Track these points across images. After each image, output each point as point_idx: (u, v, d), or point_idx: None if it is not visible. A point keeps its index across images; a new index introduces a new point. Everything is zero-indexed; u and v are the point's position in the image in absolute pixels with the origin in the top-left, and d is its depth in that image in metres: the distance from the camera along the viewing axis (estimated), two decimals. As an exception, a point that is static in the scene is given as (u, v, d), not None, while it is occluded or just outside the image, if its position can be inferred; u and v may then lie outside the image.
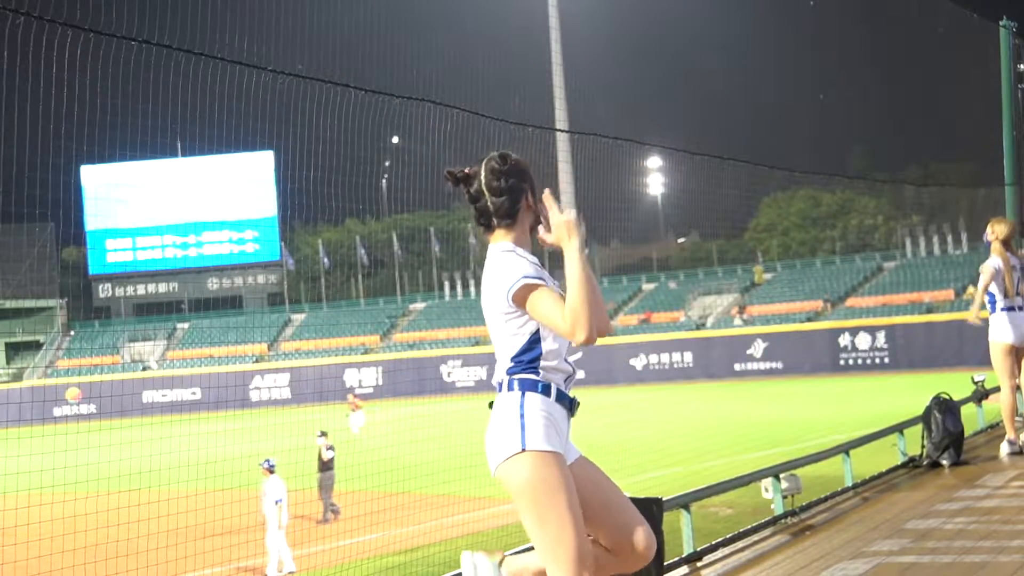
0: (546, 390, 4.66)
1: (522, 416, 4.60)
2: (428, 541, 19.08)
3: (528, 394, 4.64)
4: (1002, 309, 12.16)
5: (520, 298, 4.58)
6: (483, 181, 4.81)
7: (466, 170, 4.89)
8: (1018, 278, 12.25)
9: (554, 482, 4.55)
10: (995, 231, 12.32)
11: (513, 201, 4.79)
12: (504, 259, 4.71)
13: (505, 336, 4.72)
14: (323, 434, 23.73)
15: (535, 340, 4.69)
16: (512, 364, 4.69)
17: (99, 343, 78.47)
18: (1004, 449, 12.27)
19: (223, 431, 27.69)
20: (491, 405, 4.82)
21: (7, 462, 20.68)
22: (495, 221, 4.81)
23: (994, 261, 12.16)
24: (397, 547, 18.47)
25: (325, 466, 23.35)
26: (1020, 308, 12.16)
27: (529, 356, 4.68)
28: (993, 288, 12.17)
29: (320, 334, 74.92)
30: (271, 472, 19.56)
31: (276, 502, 19.03)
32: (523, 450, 4.56)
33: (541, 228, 4.79)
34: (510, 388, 4.67)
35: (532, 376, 4.66)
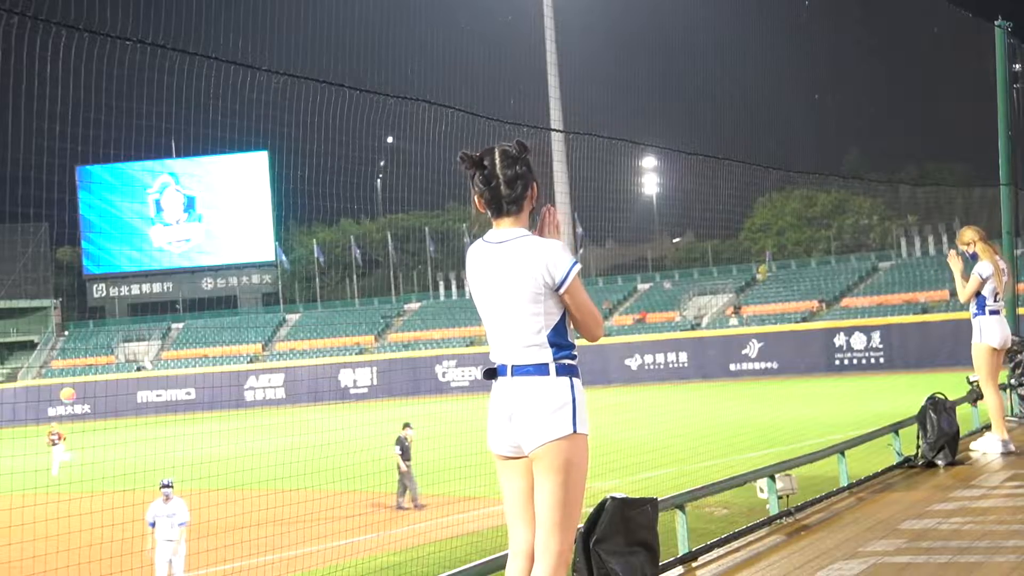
0: (579, 375, 4.97)
1: (574, 401, 4.87)
2: (423, 541, 19.08)
3: (575, 380, 4.91)
4: (990, 312, 12.29)
5: (575, 284, 4.86)
6: (497, 166, 4.92)
7: (478, 154, 4.97)
8: (1005, 281, 12.41)
9: (587, 464, 4.93)
10: (968, 238, 12.41)
11: (524, 188, 4.95)
12: (541, 240, 4.91)
13: (540, 317, 4.88)
14: (407, 426, 24.71)
15: (565, 319, 4.94)
16: (553, 348, 4.88)
17: (93, 343, 78.43)
18: (996, 448, 12.30)
19: (217, 431, 27.66)
20: (488, 381, 5.01)
21: (1, 462, 20.68)
22: (504, 207, 4.93)
23: (984, 267, 12.23)
24: (392, 547, 18.47)
25: (408, 454, 24.26)
26: (1000, 311, 12.40)
27: (565, 339, 4.93)
28: (985, 291, 12.27)
29: (315, 334, 74.90)
30: (167, 495, 18.10)
31: (180, 524, 18.01)
32: (574, 432, 4.84)
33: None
34: (559, 372, 4.87)
35: (573, 362, 4.93)
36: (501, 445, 4.97)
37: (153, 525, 17.97)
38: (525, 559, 4.99)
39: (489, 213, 4.98)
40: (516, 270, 4.85)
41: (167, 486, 18.00)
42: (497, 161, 4.91)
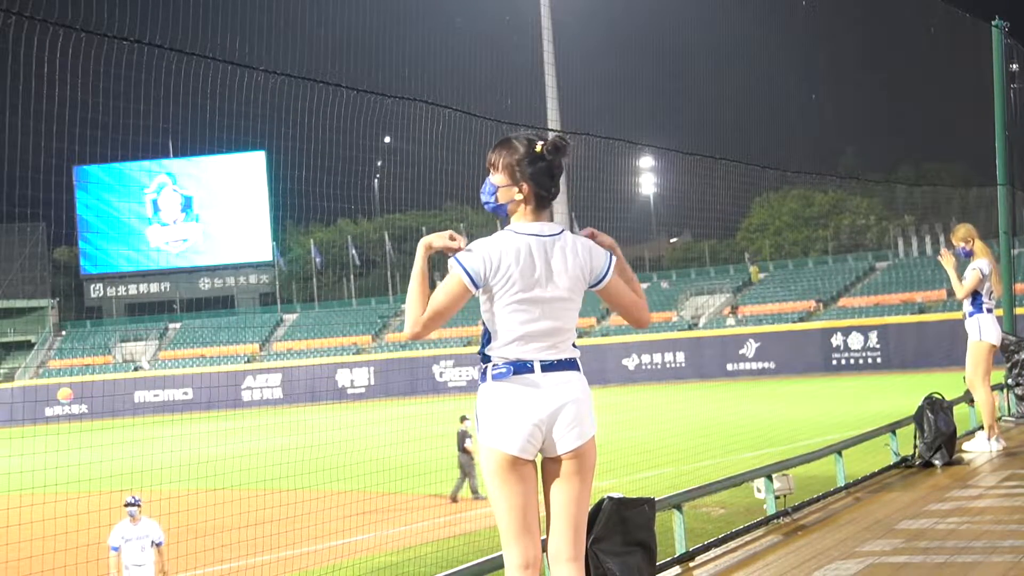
0: None
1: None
2: (421, 541, 19.08)
3: None
4: (987, 310, 12.44)
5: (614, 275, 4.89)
6: (562, 159, 4.83)
7: (548, 141, 4.86)
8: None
9: None
10: (964, 235, 12.54)
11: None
12: (582, 238, 4.88)
13: (576, 315, 4.85)
14: (464, 419, 24.69)
15: None
16: (575, 346, 4.85)
17: (91, 343, 78.42)
18: (990, 446, 12.35)
19: (215, 431, 27.67)
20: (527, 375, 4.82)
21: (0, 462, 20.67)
22: (550, 201, 4.85)
23: (984, 263, 12.36)
24: (389, 547, 18.47)
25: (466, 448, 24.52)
26: (994, 310, 12.59)
27: None
28: (982, 288, 12.42)
29: (312, 334, 74.89)
30: (134, 514, 16.17)
31: (156, 545, 16.31)
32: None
33: None
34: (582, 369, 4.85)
35: None
36: (523, 445, 4.70)
37: (116, 549, 16.08)
38: (535, 571, 4.79)
39: (529, 206, 4.82)
40: (576, 264, 4.77)
41: (133, 504, 16.17)
42: (561, 151, 4.82)
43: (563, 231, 4.81)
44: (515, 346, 4.74)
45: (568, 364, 4.76)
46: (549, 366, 4.72)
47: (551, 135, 4.89)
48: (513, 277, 4.72)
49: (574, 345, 4.85)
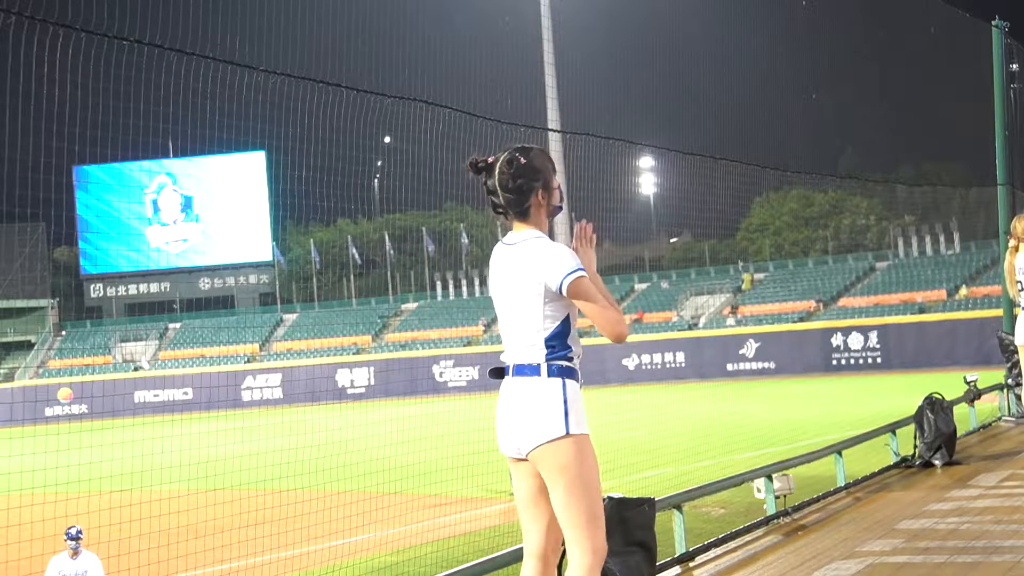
0: (577, 376, 4.97)
1: (566, 402, 4.85)
2: (420, 541, 19.07)
3: (568, 381, 4.89)
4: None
5: (575, 287, 4.83)
6: (496, 177, 4.99)
7: (488, 159, 5.04)
8: None
9: (591, 461, 4.89)
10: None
11: (522, 199, 4.99)
12: (546, 244, 4.94)
13: (539, 318, 4.91)
14: None
15: (568, 323, 4.95)
16: (548, 349, 4.90)
17: (91, 343, 78.41)
18: None
19: (215, 431, 27.66)
20: (493, 380, 5.06)
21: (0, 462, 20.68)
22: (509, 212, 5.02)
23: None
24: (389, 547, 18.46)
25: None
26: None
27: (563, 339, 4.92)
28: None
29: (312, 334, 74.87)
30: (75, 548, 14.65)
31: None
32: (567, 434, 4.81)
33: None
34: (551, 374, 4.88)
35: (568, 363, 4.91)
36: (507, 446, 5.00)
37: None
38: (537, 560, 5.04)
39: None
40: (522, 270, 4.91)
41: (75, 538, 14.65)
42: (497, 171, 4.98)
43: (526, 240, 4.98)
44: (503, 350, 5.04)
45: (528, 369, 4.91)
46: (516, 370, 4.95)
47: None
48: (490, 282, 5.17)
49: (554, 347, 4.90)
